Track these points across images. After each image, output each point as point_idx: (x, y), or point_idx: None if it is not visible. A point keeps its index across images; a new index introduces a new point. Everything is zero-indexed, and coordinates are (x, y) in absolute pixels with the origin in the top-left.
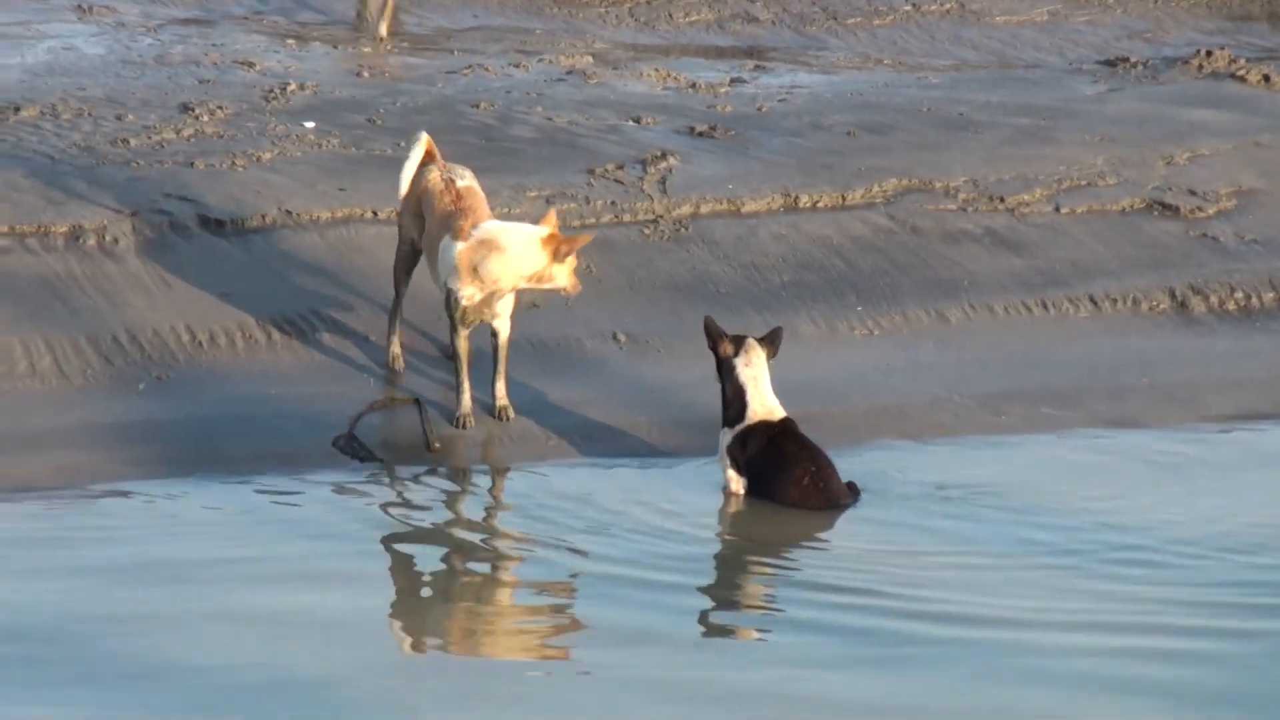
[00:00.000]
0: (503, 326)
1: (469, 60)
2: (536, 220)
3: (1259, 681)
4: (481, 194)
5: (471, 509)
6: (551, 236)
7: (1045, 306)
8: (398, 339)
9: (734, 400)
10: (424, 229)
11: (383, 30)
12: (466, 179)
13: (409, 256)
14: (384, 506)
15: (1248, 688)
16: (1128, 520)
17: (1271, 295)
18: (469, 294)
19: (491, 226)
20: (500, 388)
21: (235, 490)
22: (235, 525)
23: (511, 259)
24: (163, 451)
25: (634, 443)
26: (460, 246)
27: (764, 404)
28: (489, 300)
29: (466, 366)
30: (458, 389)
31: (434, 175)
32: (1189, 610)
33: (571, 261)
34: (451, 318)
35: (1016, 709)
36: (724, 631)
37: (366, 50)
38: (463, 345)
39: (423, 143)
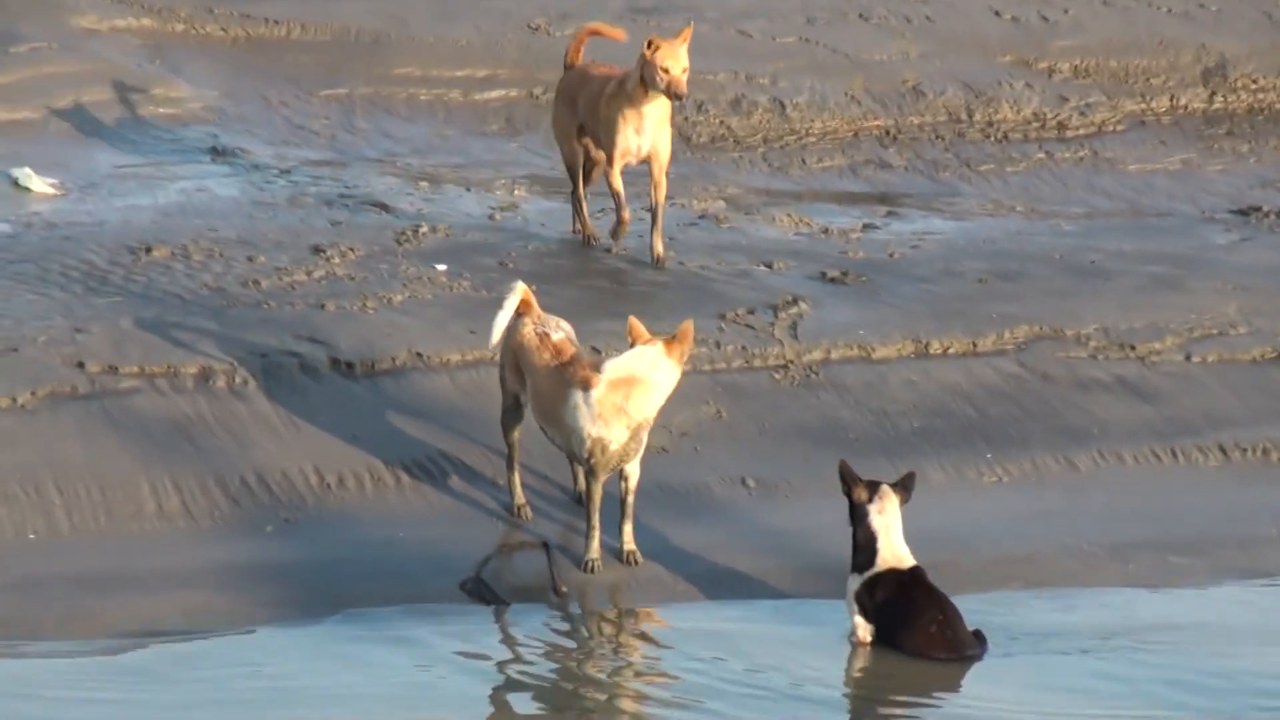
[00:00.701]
0: (634, 470)
1: (602, 204)
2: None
3: None
4: (576, 345)
5: (596, 660)
6: (668, 344)
7: (1175, 455)
8: (519, 489)
9: (864, 546)
10: (524, 384)
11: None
12: (561, 332)
13: (514, 411)
14: (503, 657)
15: None
16: (1268, 671)
17: None
18: (618, 436)
19: (617, 364)
20: (628, 531)
21: (361, 634)
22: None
23: (654, 384)
24: (290, 594)
25: (761, 588)
26: (598, 393)
27: (894, 551)
28: (635, 436)
29: (599, 510)
30: (588, 533)
31: (527, 329)
32: None
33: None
34: (593, 465)
35: None
36: None
37: (499, 193)
38: (599, 491)
39: (518, 292)
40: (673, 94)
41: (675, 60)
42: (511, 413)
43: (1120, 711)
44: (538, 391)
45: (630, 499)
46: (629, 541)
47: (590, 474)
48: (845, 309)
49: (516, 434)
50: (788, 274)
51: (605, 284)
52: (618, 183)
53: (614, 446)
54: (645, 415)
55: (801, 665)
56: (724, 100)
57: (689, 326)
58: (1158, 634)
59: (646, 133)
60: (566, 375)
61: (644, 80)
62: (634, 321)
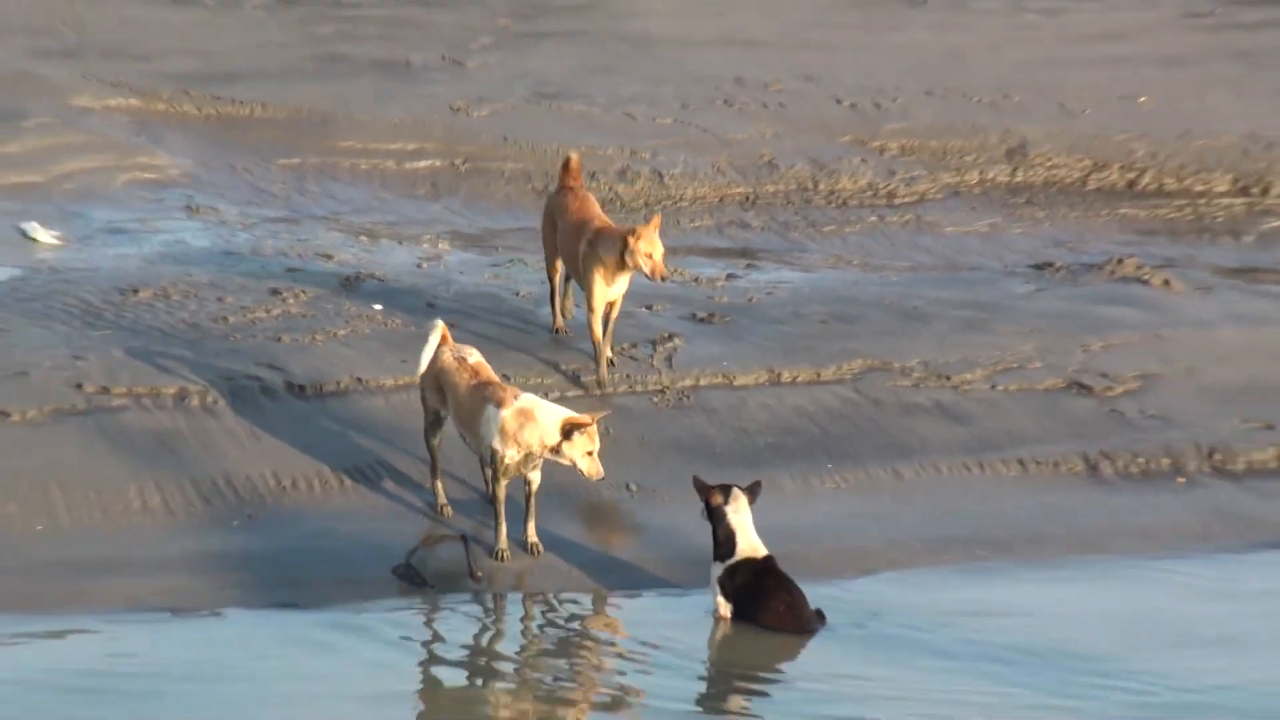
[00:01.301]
0: (535, 477)
1: (511, 256)
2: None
3: None
4: (488, 366)
5: (506, 638)
6: (567, 421)
7: (982, 467)
8: (440, 491)
9: (724, 540)
10: (446, 401)
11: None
12: (474, 356)
13: (434, 425)
14: (425, 636)
15: None
16: (1074, 648)
17: (1168, 461)
18: (511, 453)
19: (527, 398)
20: (531, 527)
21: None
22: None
23: (541, 427)
24: (252, 579)
25: (642, 575)
26: (506, 413)
27: (749, 543)
28: (525, 461)
29: (504, 510)
30: (496, 528)
31: (446, 356)
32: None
33: (584, 444)
34: (497, 472)
35: None
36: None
37: (425, 245)
38: (502, 493)
39: (439, 329)
40: (656, 278)
41: (656, 247)
42: (433, 427)
43: (936, 678)
44: (458, 405)
45: (533, 500)
46: (532, 535)
47: (495, 479)
48: (711, 344)
49: (437, 444)
50: (665, 314)
51: (514, 322)
52: (598, 332)
53: (509, 460)
54: (530, 445)
55: (674, 639)
56: (612, 170)
57: (591, 421)
58: (972, 614)
59: (617, 287)
60: (485, 393)
61: (624, 259)
62: (597, 416)
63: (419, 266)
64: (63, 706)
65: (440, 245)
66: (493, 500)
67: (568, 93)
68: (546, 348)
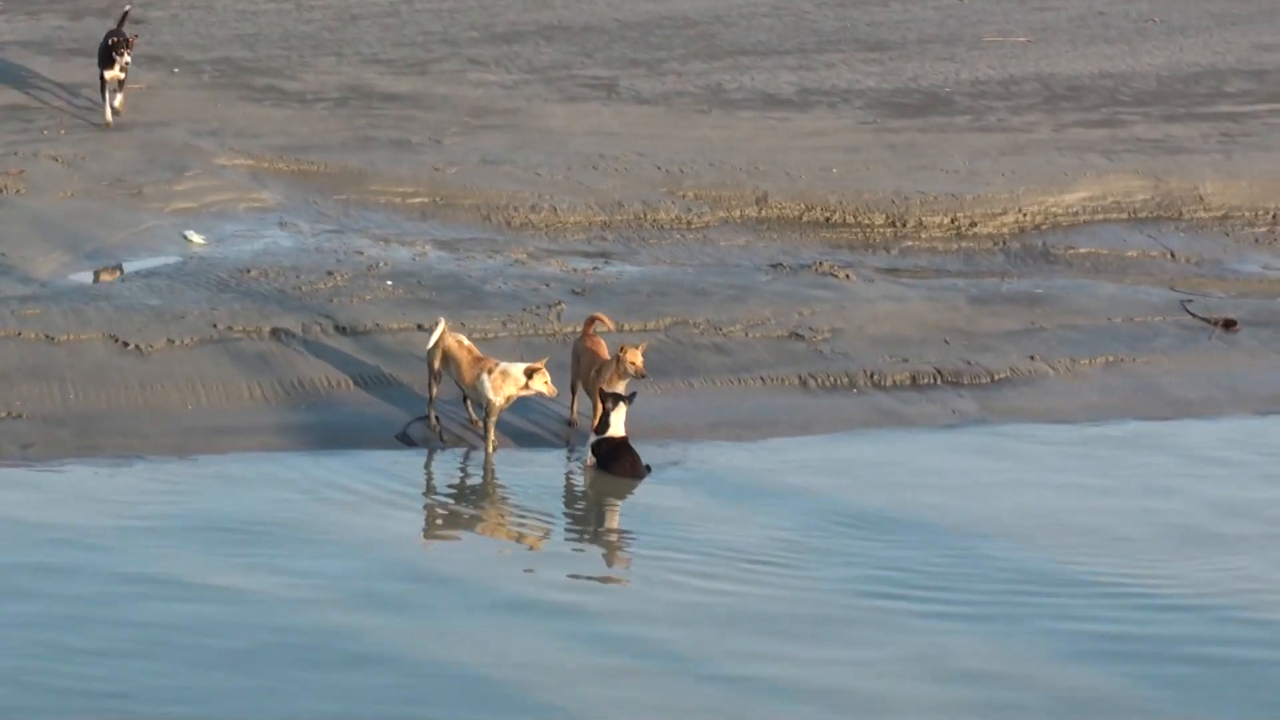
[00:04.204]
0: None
1: (471, 254)
2: (533, 358)
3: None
4: (475, 347)
5: (466, 476)
6: (527, 369)
7: (739, 381)
8: (433, 410)
9: (603, 424)
10: (447, 366)
11: None
12: (465, 340)
13: (435, 378)
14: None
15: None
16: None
17: (847, 379)
18: (500, 402)
19: (504, 365)
20: (492, 434)
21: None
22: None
23: (513, 380)
24: (313, 438)
25: (548, 440)
26: (493, 375)
27: (618, 429)
28: (506, 402)
29: (493, 434)
30: (487, 442)
31: (449, 339)
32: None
33: (540, 379)
34: (488, 411)
35: None
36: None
37: (417, 247)
38: (492, 426)
39: (441, 325)
40: (638, 376)
41: (640, 358)
42: (434, 379)
43: (699, 496)
44: (461, 374)
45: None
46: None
47: (487, 417)
48: (583, 307)
49: (434, 389)
50: (556, 290)
51: (467, 293)
52: (575, 412)
53: (497, 404)
54: (510, 390)
55: (565, 475)
56: (526, 206)
57: (543, 362)
58: (730, 467)
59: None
60: (481, 365)
61: (618, 370)
62: (543, 361)
63: (413, 259)
64: (205, 501)
65: (426, 247)
66: (485, 430)
67: (502, 160)
68: (487, 310)
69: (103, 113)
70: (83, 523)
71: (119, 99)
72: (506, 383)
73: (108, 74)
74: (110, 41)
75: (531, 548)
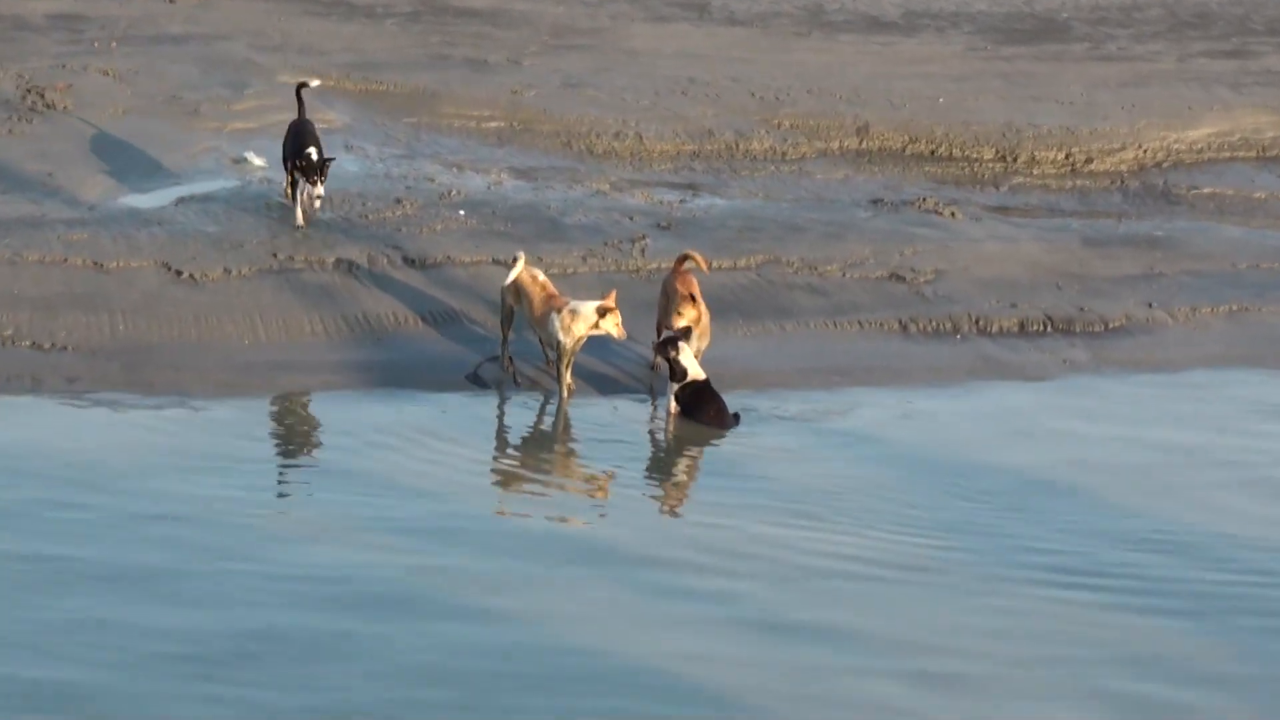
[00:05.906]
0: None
1: (550, 184)
2: (602, 296)
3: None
4: (550, 283)
5: (539, 420)
6: (599, 307)
7: (835, 325)
8: (506, 351)
9: (678, 370)
10: (520, 302)
11: None
12: (541, 275)
13: (509, 317)
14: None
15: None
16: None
17: (950, 325)
18: (570, 343)
19: (575, 304)
20: (567, 378)
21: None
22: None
23: (585, 320)
24: (377, 377)
25: (624, 386)
26: (563, 314)
27: (694, 370)
28: (578, 342)
29: (568, 370)
30: (559, 382)
31: (524, 275)
32: None
33: (612, 319)
34: (561, 353)
35: None
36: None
37: (492, 175)
38: (567, 362)
39: (521, 260)
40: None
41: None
42: (508, 318)
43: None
44: (532, 310)
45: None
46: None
47: (560, 358)
48: (669, 242)
49: (508, 328)
50: (640, 222)
51: (545, 226)
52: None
53: (568, 344)
54: (580, 330)
55: (648, 424)
56: (610, 133)
57: (613, 298)
58: (823, 414)
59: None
60: (552, 303)
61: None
62: (613, 294)
63: (488, 188)
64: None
65: (501, 175)
66: (559, 374)
67: (584, 84)
68: (566, 242)
69: (293, 214)
70: (137, 461)
71: (318, 203)
72: (576, 322)
73: (311, 190)
74: (316, 160)
75: (602, 500)
